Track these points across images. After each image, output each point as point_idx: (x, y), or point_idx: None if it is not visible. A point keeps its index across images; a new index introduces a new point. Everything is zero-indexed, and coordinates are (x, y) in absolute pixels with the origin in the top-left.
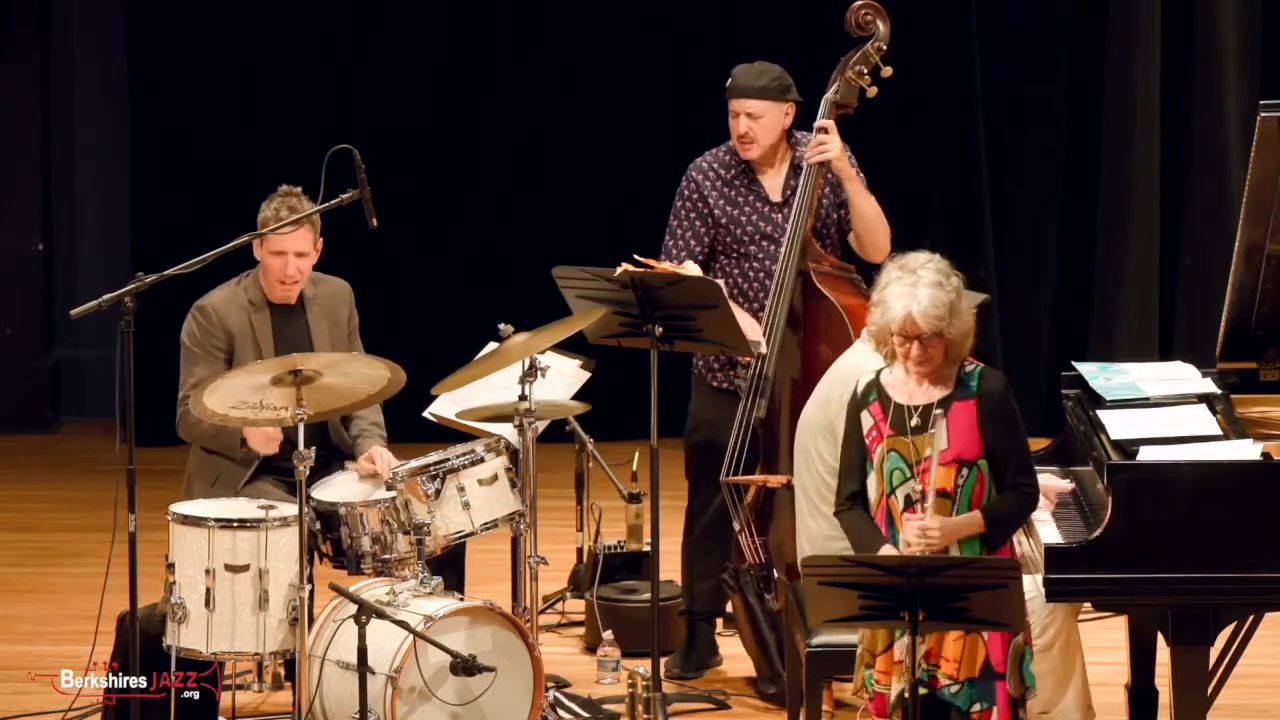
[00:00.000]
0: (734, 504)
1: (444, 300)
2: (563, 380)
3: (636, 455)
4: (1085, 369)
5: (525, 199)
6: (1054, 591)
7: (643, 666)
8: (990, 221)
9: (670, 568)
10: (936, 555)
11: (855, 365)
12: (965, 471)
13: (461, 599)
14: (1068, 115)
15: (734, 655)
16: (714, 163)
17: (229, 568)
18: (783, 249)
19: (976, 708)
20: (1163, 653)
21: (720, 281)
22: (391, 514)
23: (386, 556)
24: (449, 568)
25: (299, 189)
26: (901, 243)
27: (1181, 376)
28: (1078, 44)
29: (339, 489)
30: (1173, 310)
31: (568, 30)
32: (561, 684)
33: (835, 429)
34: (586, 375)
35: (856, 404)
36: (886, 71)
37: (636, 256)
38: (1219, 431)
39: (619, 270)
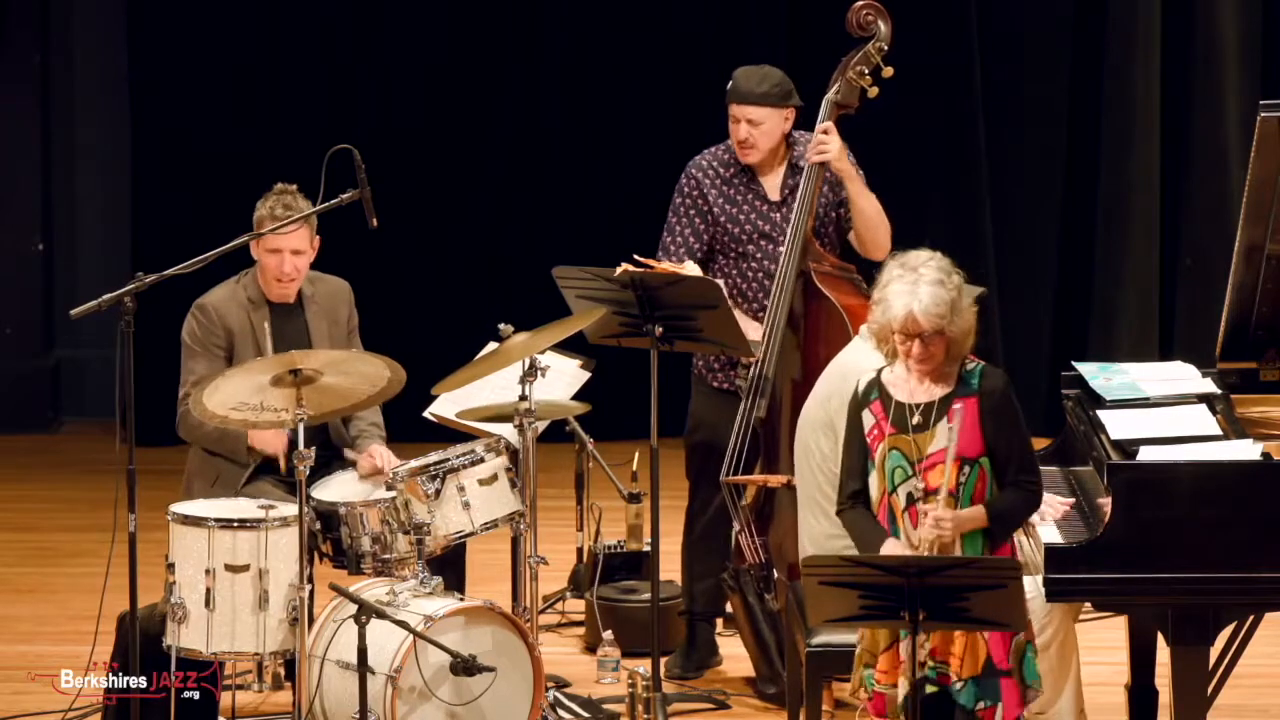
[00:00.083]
0: (734, 504)
1: (444, 300)
2: (563, 380)
3: (636, 455)
4: (1085, 369)
5: (525, 199)
6: (1054, 591)
7: (643, 666)
8: (990, 221)
9: (670, 568)
10: (936, 555)
11: (855, 361)
12: (967, 469)
13: (461, 599)
14: (1068, 115)
15: (734, 655)
16: (713, 161)
17: (229, 568)
18: (783, 249)
19: (981, 705)
20: (1163, 653)
21: (720, 281)
22: (391, 514)
23: (386, 556)
24: (449, 568)
25: (294, 186)
26: (902, 242)
27: (1181, 376)
28: (1078, 44)
29: (339, 489)
30: (1173, 310)
31: (568, 30)
32: (561, 684)
33: (835, 426)
34: (586, 375)
35: (858, 403)
36: (888, 72)
37: (636, 256)
38: (1219, 431)
39: (619, 270)
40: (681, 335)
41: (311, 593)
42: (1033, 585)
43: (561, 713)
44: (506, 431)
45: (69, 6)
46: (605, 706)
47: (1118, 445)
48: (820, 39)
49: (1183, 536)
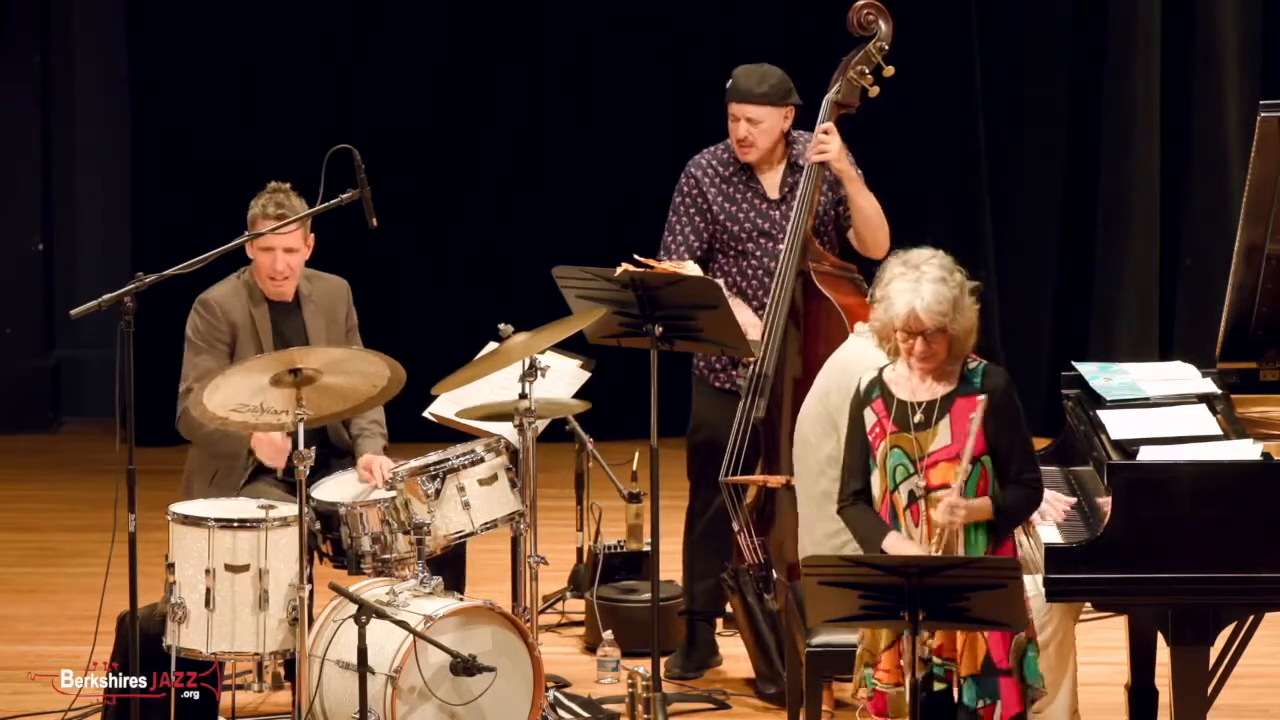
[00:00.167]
0: (733, 504)
1: (444, 300)
2: (563, 380)
3: (636, 455)
4: (1085, 369)
5: (525, 199)
6: (1054, 591)
7: (643, 666)
8: (990, 221)
9: (670, 568)
10: (936, 555)
11: (853, 357)
12: (970, 467)
13: (461, 599)
14: (1068, 115)
15: (734, 655)
16: (712, 160)
17: (229, 568)
18: (783, 248)
19: (981, 703)
20: (1163, 653)
21: (720, 281)
22: (391, 514)
23: (386, 556)
24: (449, 568)
25: (287, 185)
26: (903, 243)
27: (1181, 376)
28: (1078, 44)
29: (339, 489)
30: (1173, 310)
31: (568, 30)
32: (561, 684)
33: (834, 421)
34: (586, 375)
35: (860, 401)
36: (889, 71)
37: (636, 256)
38: (1219, 431)
39: (619, 270)
40: (681, 335)
41: (311, 593)
42: (1032, 585)
43: (561, 713)
44: (506, 431)
45: (69, 6)
46: (605, 706)
47: (1118, 445)
48: (820, 39)
49: (1183, 536)
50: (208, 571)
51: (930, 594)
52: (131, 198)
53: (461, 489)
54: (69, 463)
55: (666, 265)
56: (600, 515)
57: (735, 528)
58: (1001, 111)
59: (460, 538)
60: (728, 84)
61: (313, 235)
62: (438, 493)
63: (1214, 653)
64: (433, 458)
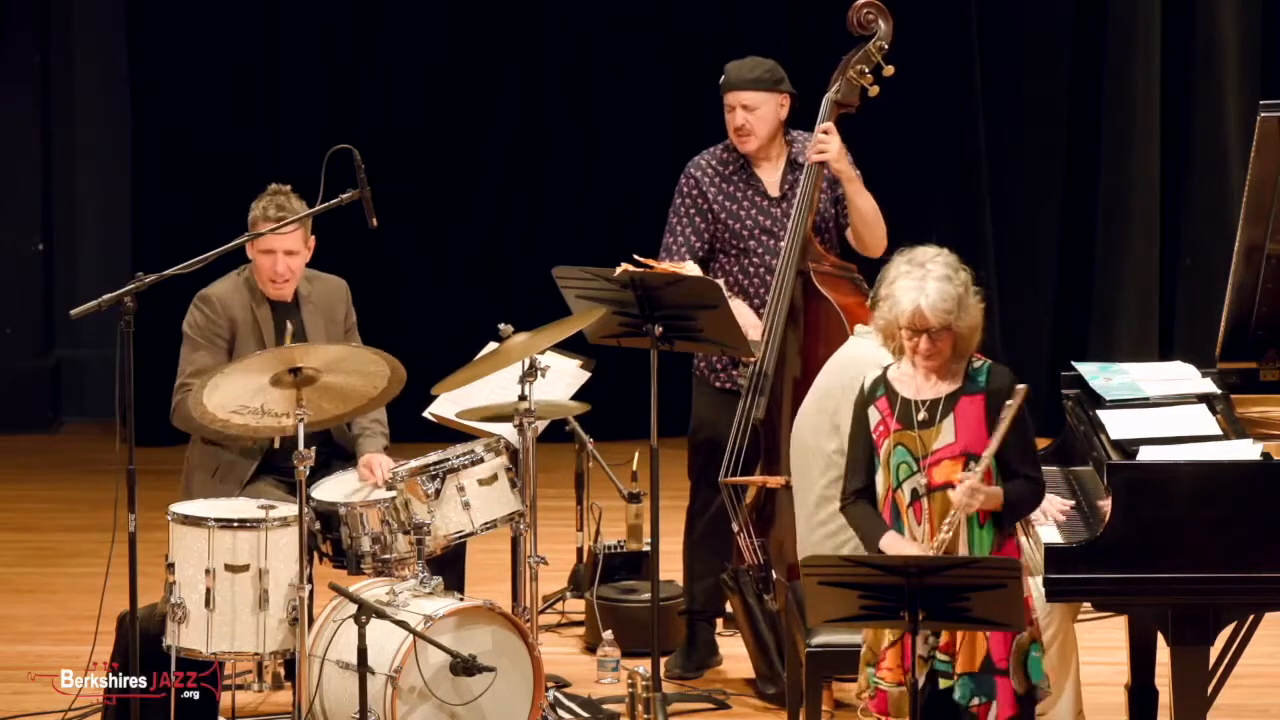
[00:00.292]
0: (733, 505)
1: (444, 300)
2: (563, 380)
3: (636, 455)
4: (1085, 369)
5: (525, 199)
6: (1054, 591)
7: (643, 666)
8: (990, 221)
9: (670, 568)
10: (936, 555)
11: (853, 357)
12: (973, 466)
13: (461, 599)
14: (1068, 115)
15: (734, 655)
16: (712, 160)
17: (229, 568)
18: (783, 248)
19: (975, 701)
20: (1163, 653)
21: (720, 281)
22: (391, 514)
23: (386, 556)
24: (448, 568)
25: (288, 187)
26: (903, 243)
27: (1181, 376)
28: (1078, 44)
29: (339, 489)
30: (1173, 310)
31: (568, 30)
32: (561, 684)
33: (834, 422)
34: (586, 375)
35: (864, 399)
36: (888, 70)
37: (636, 256)
38: (1219, 431)
39: (619, 270)
40: (681, 335)
41: (311, 593)
42: (1031, 585)
43: (561, 713)
44: (506, 431)
45: (69, 6)
46: (605, 706)
47: (1118, 445)
48: (820, 39)
49: (1183, 536)
50: (208, 571)
51: (930, 594)
52: (131, 198)
53: (461, 489)
54: (69, 463)
55: (666, 265)
56: (600, 515)
57: (735, 528)
58: (1001, 111)
59: (460, 538)
60: (721, 79)
61: (313, 237)
62: (438, 493)
63: (1214, 653)
64: (433, 458)
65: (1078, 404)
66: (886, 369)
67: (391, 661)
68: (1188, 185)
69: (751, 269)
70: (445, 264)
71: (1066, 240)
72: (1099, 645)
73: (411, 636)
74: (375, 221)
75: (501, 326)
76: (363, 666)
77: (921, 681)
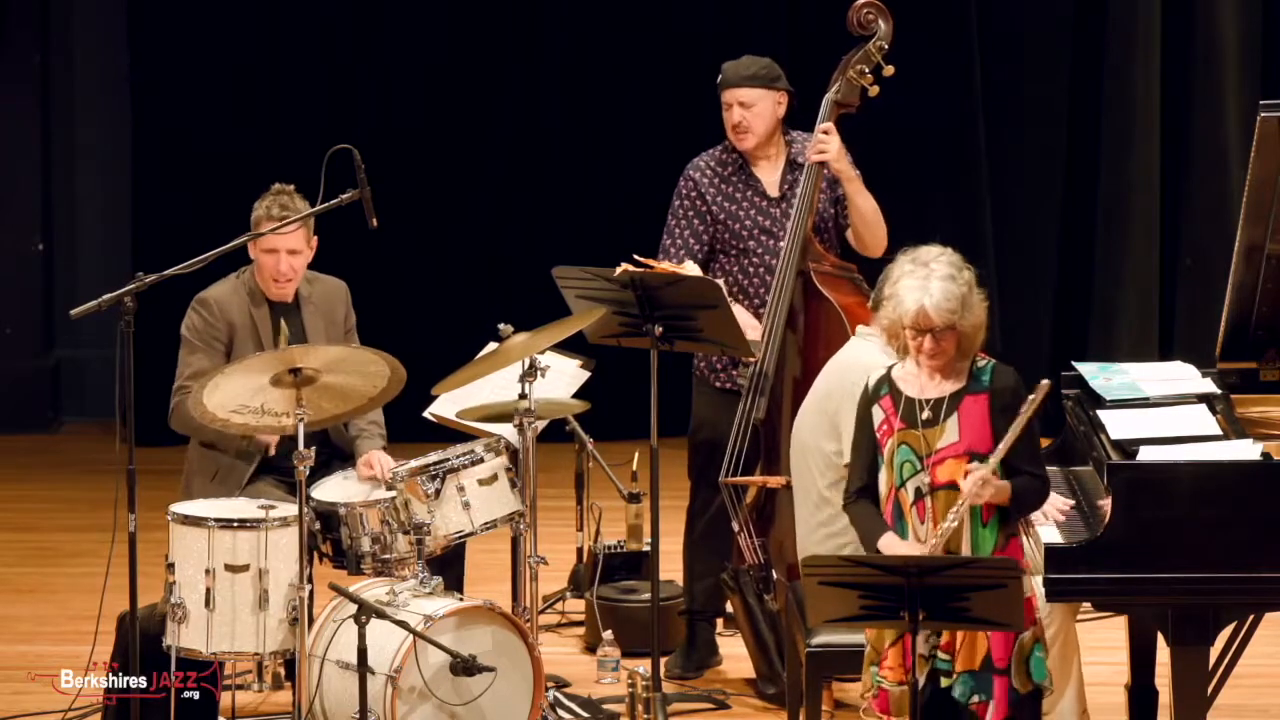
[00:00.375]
0: (733, 505)
1: (444, 300)
2: (563, 380)
3: (636, 455)
4: (1085, 369)
5: (525, 199)
6: (1054, 591)
7: (643, 666)
8: (990, 221)
9: (670, 568)
10: (937, 555)
11: (853, 359)
12: (977, 464)
13: (461, 599)
14: (1068, 115)
15: (734, 655)
16: (710, 161)
17: (229, 568)
18: (783, 248)
19: (975, 700)
20: (1163, 653)
21: (720, 281)
22: (391, 514)
23: (386, 556)
24: (448, 568)
25: (291, 186)
26: (903, 243)
27: (1181, 376)
28: (1078, 44)
29: (339, 489)
30: (1173, 310)
31: (568, 30)
32: (561, 684)
33: (834, 423)
34: (586, 375)
35: (868, 398)
36: (888, 70)
37: (636, 256)
38: (1219, 431)
39: (619, 270)
40: (681, 335)
41: (311, 593)
42: (1036, 585)
43: (561, 713)
44: (506, 431)
45: (69, 6)
46: (605, 706)
47: (1118, 445)
48: (820, 39)
49: (1183, 536)
50: (208, 571)
51: (930, 594)
52: (131, 198)
53: (461, 489)
54: (69, 463)
55: (666, 265)
56: (600, 515)
57: (735, 528)
58: (1001, 111)
59: (460, 538)
60: (718, 79)
61: (315, 237)
62: (438, 493)
63: (1214, 653)
64: (433, 458)
65: (1078, 404)
66: (891, 368)
67: (391, 661)
68: (1188, 185)
69: (751, 269)
70: (445, 264)
71: (1066, 240)
72: (1099, 645)
73: (411, 636)
74: (375, 221)
75: (501, 326)
76: (363, 666)
77: (922, 681)
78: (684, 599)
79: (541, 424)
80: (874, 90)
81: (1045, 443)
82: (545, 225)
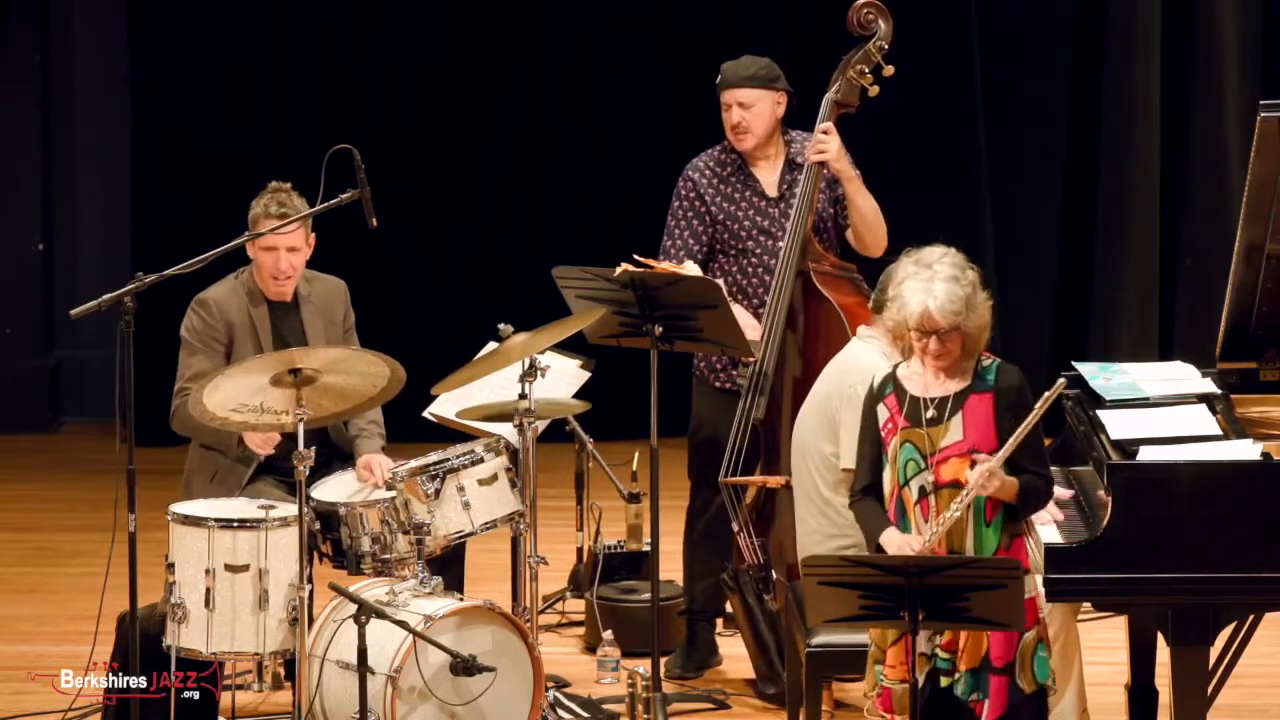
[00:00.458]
0: (733, 505)
1: (444, 300)
2: (563, 380)
3: (636, 455)
4: (1085, 369)
5: (525, 199)
6: (1054, 591)
7: (643, 666)
8: (990, 221)
9: (670, 568)
10: (937, 555)
11: (854, 361)
12: (985, 456)
13: (461, 599)
14: (1068, 115)
15: (734, 655)
16: (709, 161)
17: (229, 568)
18: (783, 248)
19: (973, 697)
20: (1163, 653)
21: (720, 281)
22: (391, 514)
23: (386, 556)
24: (447, 568)
25: (288, 185)
26: (903, 243)
27: (1181, 376)
28: (1078, 44)
29: (339, 489)
30: (1173, 310)
31: (568, 30)
32: (561, 684)
33: (835, 426)
34: (586, 375)
35: (873, 397)
36: (888, 70)
37: (636, 256)
38: (1219, 431)
39: (619, 270)
40: (681, 335)
41: (311, 593)
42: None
43: (561, 713)
44: (506, 431)
45: (69, 6)
46: (605, 706)
47: (1118, 445)
48: (821, 38)
49: (1183, 536)
50: (208, 571)
51: (930, 594)
52: (131, 198)
53: (461, 489)
54: (69, 463)
55: (666, 265)
56: (600, 515)
57: (735, 528)
58: (1001, 111)
59: (460, 538)
60: (717, 79)
61: (314, 235)
62: (438, 493)
63: (1214, 653)
64: (433, 458)
65: (1078, 404)
66: (896, 367)
67: (391, 661)
68: (1188, 185)
69: (750, 269)
70: (445, 264)
71: (1066, 240)
72: (1099, 645)
73: (411, 636)
74: (375, 221)
75: (501, 326)
76: (363, 666)
77: (922, 680)
78: (684, 599)
79: (542, 424)
80: (874, 90)
81: (1046, 442)
82: (545, 225)
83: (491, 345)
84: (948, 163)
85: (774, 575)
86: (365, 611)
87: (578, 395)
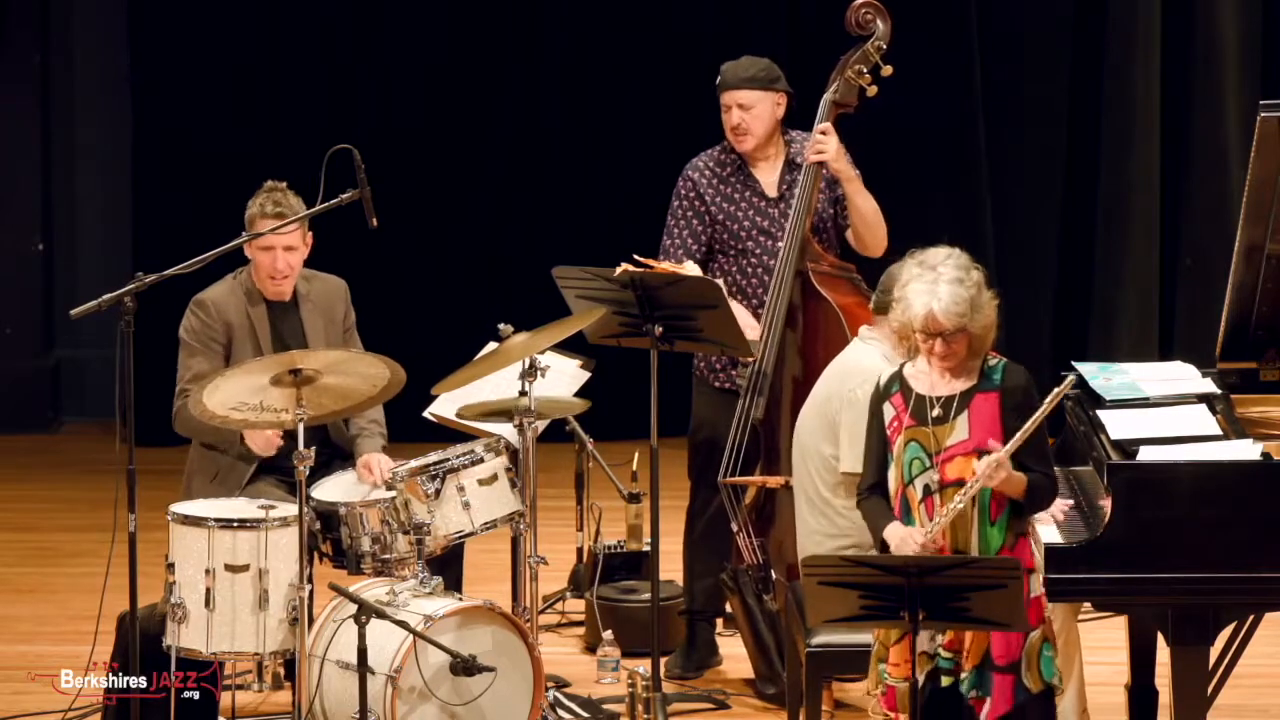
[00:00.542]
0: (732, 505)
1: (444, 300)
2: (563, 380)
3: (636, 455)
4: (1085, 369)
5: (525, 199)
6: (1054, 591)
7: (643, 666)
8: (990, 221)
9: (670, 568)
10: (937, 555)
11: (854, 363)
12: (995, 445)
13: (461, 599)
14: (1068, 115)
15: (734, 655)
16: (709, 161)
17: (229, 568)
18: (781, 248)
19: (973, 695)
20: (1163, 653)
21: (720, 281)
22: (391, 514)
23: (386, 556)
24: (446, 568)
25: (284, 184)
26: (903, 242)
27: (1181, 376)
28: (1078, 44)
29: (339, 489)
30: (1173, 310)
31: (568, 30)
32: (561, 684)
33: (835, 427)
34: (586, 375)
35: (879, 396)
36: (887, 70)
37: (636, 256)
38: (1219, 431)
39: (619, 270)
40: (681, 335)
41: (311, 593)
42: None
43: (561, 713)
44: (506, 431)
45: (69, 6)
46: (605, 706)
47: (1118, 445)
48: (820, 39)
49: (1183, 536)
50: (208, 571)
51: (930, 594)
52: (131, 198)
53: (461, 489)
54: (69, 463)
55: (666, 265)
56: (600, 515)
57: (734, 528)
58: (1001, 111)
59: (460, 538)
60: (717, 80)
61: (311, 234)
62: (438, 493)
63: (1214, 653)
64: (433, 458)
65: (1078, 404)
66: (903, 366)
67: (391, 661)
68: (1188, 185)
69: (750, 269)
70: (445, 264)
71: (1066, 240)
72: (1099, 645)
73: (411, 636)
74: (375, 221)
75: (501, 326)
76: (363, 666)
77: (922, 680)
78: (684, 599)
79: (542, 424)
80: (872, 90)
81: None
82: (545, 225)
83: (491, 345)
84: (948, 163)
85: (773, 575)
86: (365, 611)
87: (578, 395)
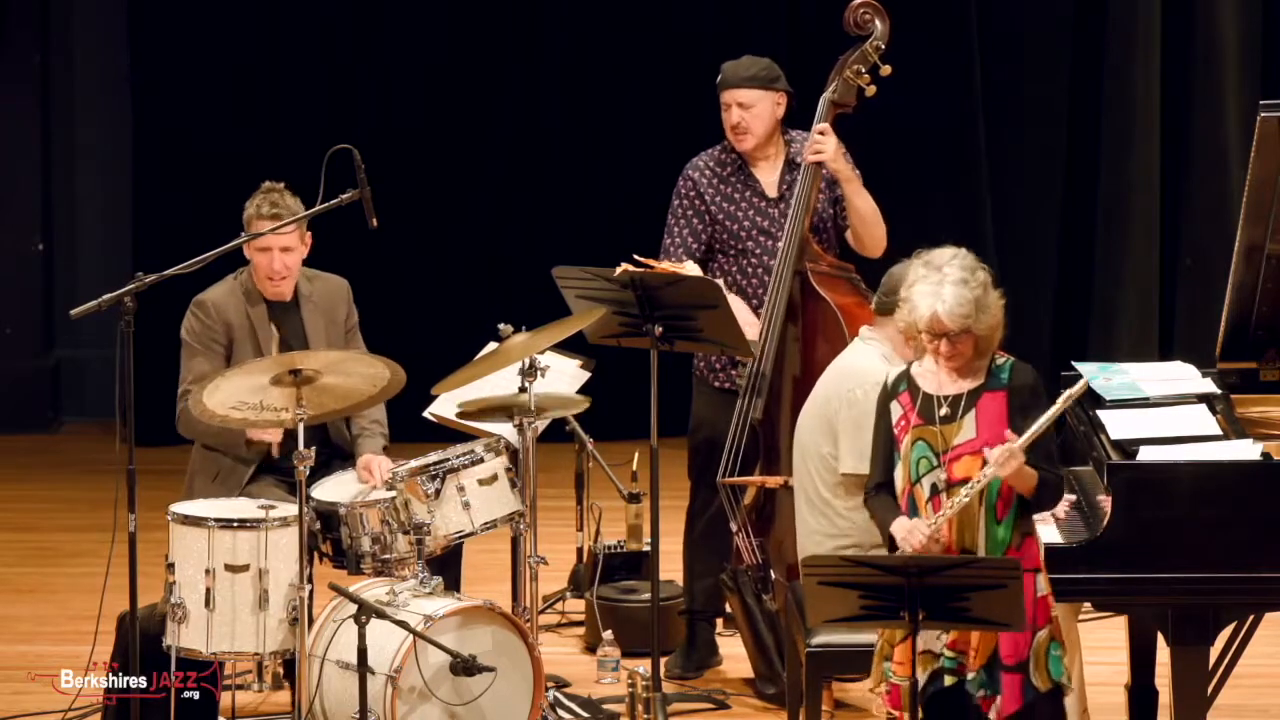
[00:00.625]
0: (732, 505)
1: (444, 300)
2: (562, 380)
3: (636, 455)
4: (1085, 369)
5: (525, 199)
6: (1054, 591)
7: (643, 666)
8: (990, 221)
9: (670, 568)
10: (937, 555)
11: (855, 364)
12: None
13: (461, 599)
14: (1068, 115)
15: (734, 655)
16: (709, 161)
17: (229, 568)
18: (780, 248)
19: (981, 694)
20: (1163, 653)
21: (720, 281)
22: (391, 514)
23: (386, 556)
24: (445, 568)
25: (281, 184)
26: (902, 243)
27: (1181, 376)
28: (1078, 44)
29: (339, 489)
30: (1173, 310)
31: (568, 30)
32: (561, 684)
33: (834, 428)
34: (586, 375)
35: (886, 394)
36: (885, 70)
37: (636, 256)
38: (1219, 431)
39: (619, 270)
40: (681, 335)
41: (311, 593)
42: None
43: (561, 713)
44: (506, 431)
45: (69, 6)
46: (605, 706)
47: (1118, 445)
48: (820, 39)
49: (1183, 536)
50: (208, 571)
51: (930, 594)
52: (131, 198)
53: (461, 489)
54: (69, 463)
55: (666, 265)
56: (600, 515)
57: (734, 528)
58: (1001, 111)
59: (460, 538)
60: (717, 79)
61: (309, 234)
62: (438, 493)
63: (1214, 653)
64: (433, 458)
65: (1078, 404)
66: (910, 365)
67: (391, 661)
68: (1188, 185)
69: (749, 269)
70: (445, 264)
71: (1066, 240)
72: (1099, 645)
73: (411, 636)
74: (375, 221)
75: (501, 326)
76: (363, 666)
77: (924, 679)
78: (684, 599)
79: (542, 424)
80: (871, 90)
81: None
82: (545, 225)
83: (491, 345)
84: (948, 163)
85: (773, 575)
86: (365, 611)
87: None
